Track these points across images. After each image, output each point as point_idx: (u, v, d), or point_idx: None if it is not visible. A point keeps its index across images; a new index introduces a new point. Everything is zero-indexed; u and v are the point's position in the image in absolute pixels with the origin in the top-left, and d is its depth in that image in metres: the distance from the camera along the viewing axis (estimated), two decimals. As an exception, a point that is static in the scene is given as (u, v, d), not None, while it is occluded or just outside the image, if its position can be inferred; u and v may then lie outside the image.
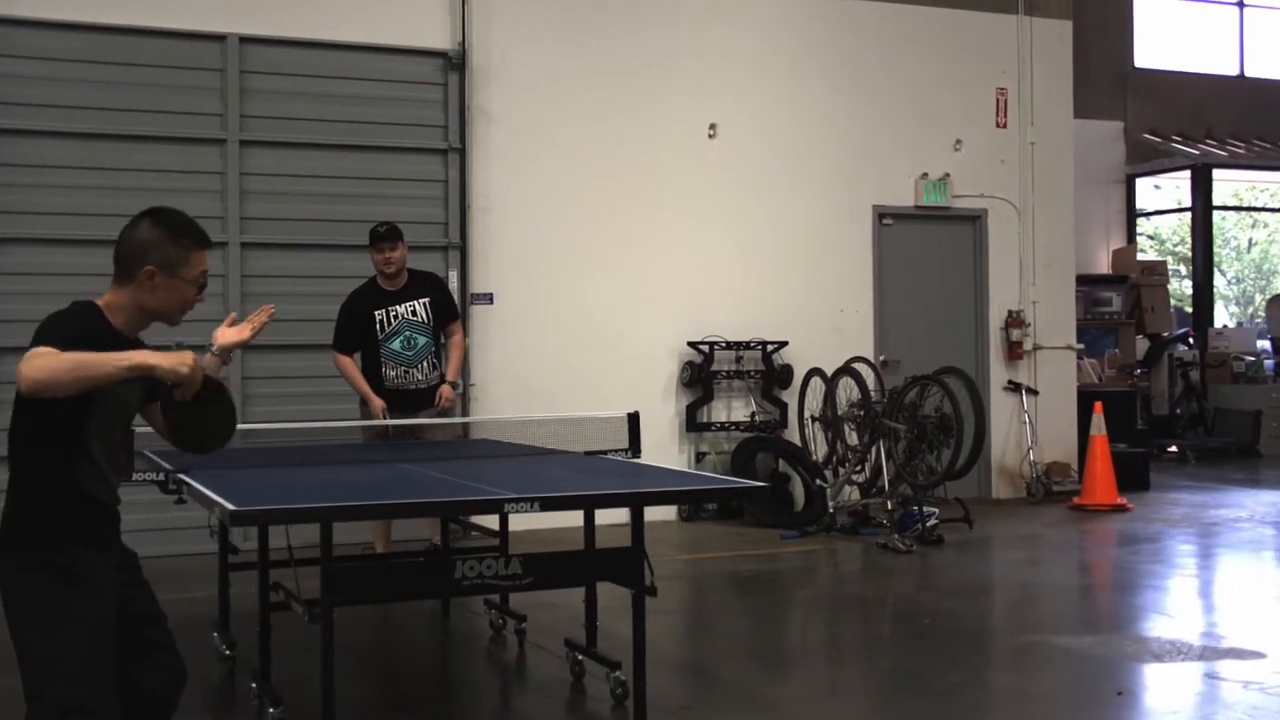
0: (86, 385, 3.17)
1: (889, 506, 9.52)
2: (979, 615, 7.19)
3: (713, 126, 11.03)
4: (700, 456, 10.95)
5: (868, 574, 8.70)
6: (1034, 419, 12.00)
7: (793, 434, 10.90)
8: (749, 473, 10.67)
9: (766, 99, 11.24)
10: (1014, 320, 12.03)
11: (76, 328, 3.35)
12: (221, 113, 9.56)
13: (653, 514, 10.72)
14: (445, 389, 7.81)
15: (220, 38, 9.53)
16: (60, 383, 3.13)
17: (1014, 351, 12.04)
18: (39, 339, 3.27)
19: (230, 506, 4.13)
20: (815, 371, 10.65)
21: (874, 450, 9.82)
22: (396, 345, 7.82)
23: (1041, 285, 12.21)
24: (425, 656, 6.41)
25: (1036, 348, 12.19)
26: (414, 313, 7.86)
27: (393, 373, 7.85)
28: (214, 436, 3.64)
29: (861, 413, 9.96)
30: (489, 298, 10.29)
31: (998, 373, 12.08)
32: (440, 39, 10.16)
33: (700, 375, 10.83)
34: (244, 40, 9.59)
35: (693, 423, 10.87)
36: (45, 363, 3.13)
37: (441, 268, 9.92)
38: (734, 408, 11.15)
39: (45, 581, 3.34)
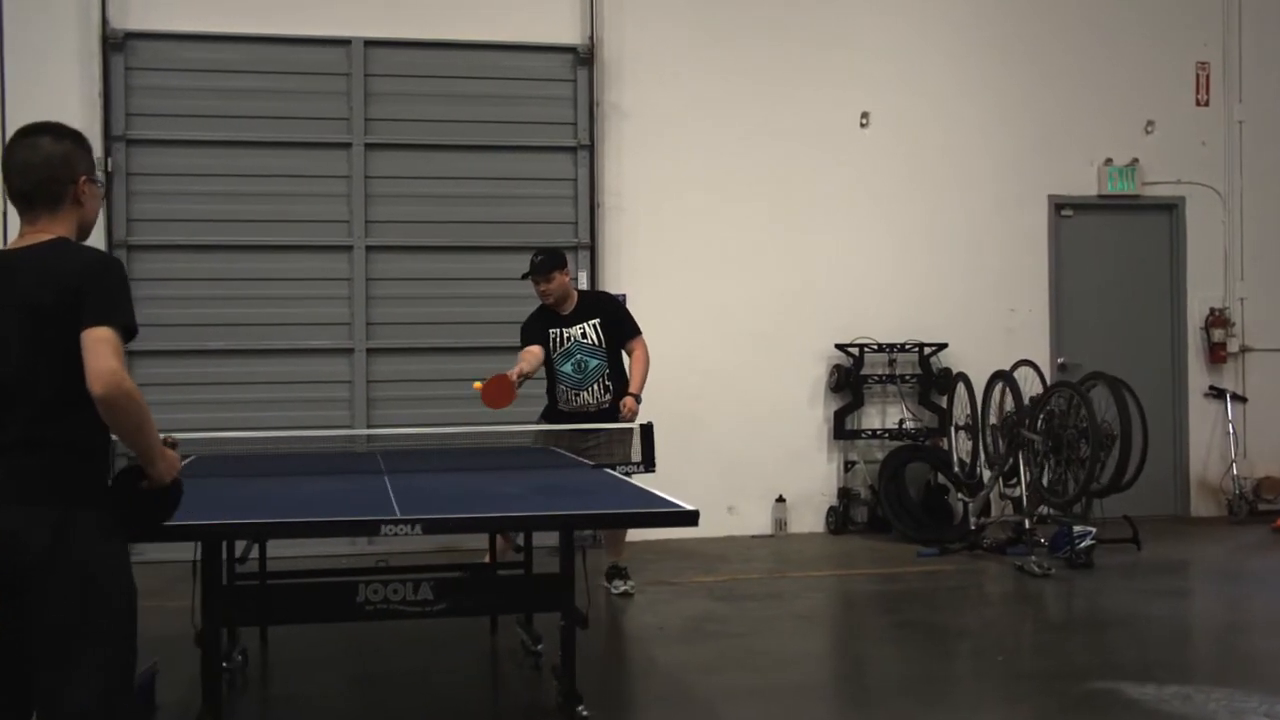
0: (129, 440, 3.25)
1: (1027, 524, 8.69)
2: (1065, 654, 6.39)
3: (865, 115, 10.35)
4: (849, 465, 10.32)
5: (980, 599, 7.95)
6: (1241, 429, 10.76)
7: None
8: (898, 483, 10.03)
9: (924, 81, 10.45)
10: (1217, 319, 10.81)
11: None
12: (347, 116, 9.60)
13: (799, 525, 10.29)
14: (628, 400, 7.60)
15: (345, 42, 9.57)
16: (128, 423, 3.19)
17: (1216, 354, 10.80)
18: (119, 309, 3.23)
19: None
20: (960, 377, 9.87)
21: (1022, 463, 9.00)
22: (568, 368, 7.67)
23: (1251, 280, 10.92)
24: (436, 675, 6.15)
25: (1244, 349, 10.91)
26: (584, 335, 7.72)
27: (565, 394, 7.73)
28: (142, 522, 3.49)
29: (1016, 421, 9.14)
30: (621, 298, 9.96)
31: (1197, 378, 10.88)
32: (569, 34, 9.91)
33: (849, 379, 10.19)
34: (369, 44, 9.60)
35: (841, 430, 10.25)
36: (138, 400, 3.18)
37: (570, 268, 9.65)
38: (888, 414, 10.44)
39: (121, 546, 3.34)
